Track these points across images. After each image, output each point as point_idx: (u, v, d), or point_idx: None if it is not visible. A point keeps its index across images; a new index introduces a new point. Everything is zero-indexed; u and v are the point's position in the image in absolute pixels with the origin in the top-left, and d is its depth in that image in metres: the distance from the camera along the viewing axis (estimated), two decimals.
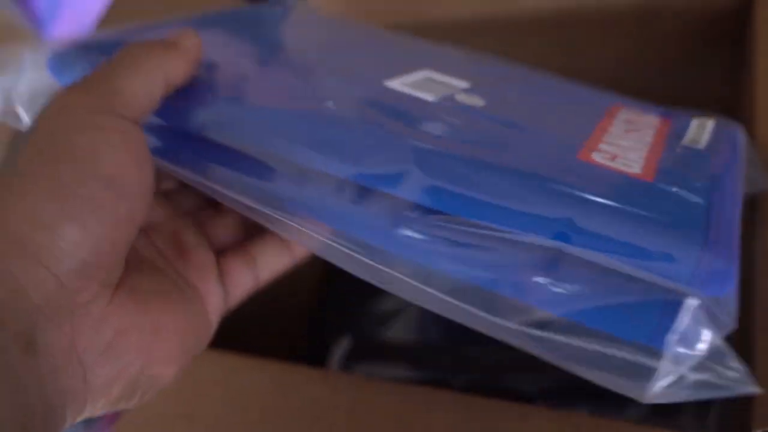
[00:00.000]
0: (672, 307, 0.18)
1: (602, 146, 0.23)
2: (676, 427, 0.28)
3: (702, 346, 0.18)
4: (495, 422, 0.24)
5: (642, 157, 0.22)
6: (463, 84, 0.27)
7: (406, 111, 0.24)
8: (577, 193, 0.20)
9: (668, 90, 0.39)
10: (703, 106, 0.37)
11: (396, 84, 0.26)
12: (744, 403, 0.21)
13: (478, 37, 0.38)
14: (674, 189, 0.21)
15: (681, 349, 0.18)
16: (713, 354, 0.18)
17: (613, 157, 0.22)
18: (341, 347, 0.38)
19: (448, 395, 0.25)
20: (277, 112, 0.23)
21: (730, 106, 0.37)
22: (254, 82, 0.25)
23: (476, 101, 0.25)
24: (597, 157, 0.22)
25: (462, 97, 0.25)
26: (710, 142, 0.25)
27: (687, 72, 0.38)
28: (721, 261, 0.18)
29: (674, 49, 0.37)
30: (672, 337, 0.18)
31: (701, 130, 0.25)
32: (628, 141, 0.24)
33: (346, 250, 0.21)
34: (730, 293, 0.19)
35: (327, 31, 0.33)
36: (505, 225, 0.19)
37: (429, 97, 0.25)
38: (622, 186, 0.21)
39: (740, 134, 0.26)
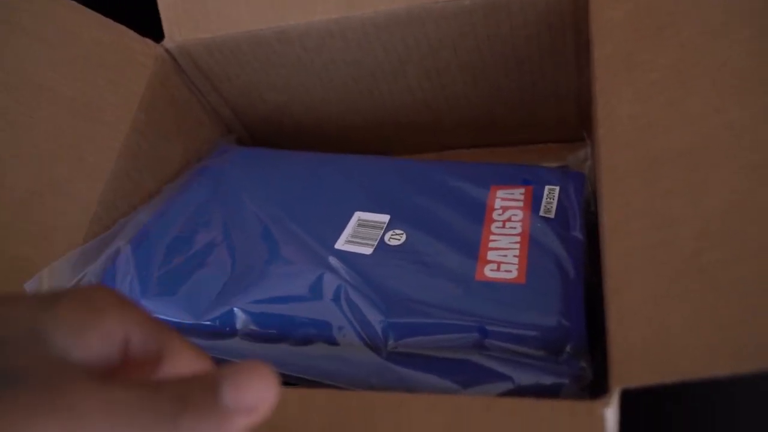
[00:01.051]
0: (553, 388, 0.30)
1: (489, 257, 0.35)
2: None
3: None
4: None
5: (516, 261, 0.34)
6: (385, 218, 0.38)
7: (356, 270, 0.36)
8: (482, 313, 0.32)
9: (525, 82, 0.43)
10: (559, 95, 0.44)
11: (341, 244, 0.37)
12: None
13: (335, 39, 0.41)
14: (540, 287, 0.33)
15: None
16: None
17: (498, 267, 0.34)
18: None
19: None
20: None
21: (584, 92, 0.43)
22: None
23: (400, 239, 0.37)
24: (488, 273, 0.34)
25: (389, 239, 0.37)
26: (557, 207, 0.37)
27: (541, 63, 0.42)
28: (573, 343, 0.31)
29: (525, 42, 0.40)
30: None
31: (552, 194, 0.38)
32: (505, 241, 0.36)
33: None
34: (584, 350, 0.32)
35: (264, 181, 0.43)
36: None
37: (366, 250, 0.37)
38: (507, 294, 0.33)
39: (582, 180, 0.39)
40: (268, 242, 0.38)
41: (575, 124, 0.47)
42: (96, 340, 0.18)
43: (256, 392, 0.18)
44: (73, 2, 0.41)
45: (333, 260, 0.36)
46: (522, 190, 0.38)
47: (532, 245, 0.35)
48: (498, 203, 0.38)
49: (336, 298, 0.34)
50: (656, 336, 0.24)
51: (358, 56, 0.42)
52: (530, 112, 0.46)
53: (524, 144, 0.49)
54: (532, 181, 0.39)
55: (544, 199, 0.37)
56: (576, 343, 0.32)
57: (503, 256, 0.35)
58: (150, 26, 0.44)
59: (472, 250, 0.35)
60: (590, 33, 0.34)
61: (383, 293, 0.34)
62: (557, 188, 0.38)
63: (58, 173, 0.37)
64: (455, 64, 0.42)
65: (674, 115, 0.28)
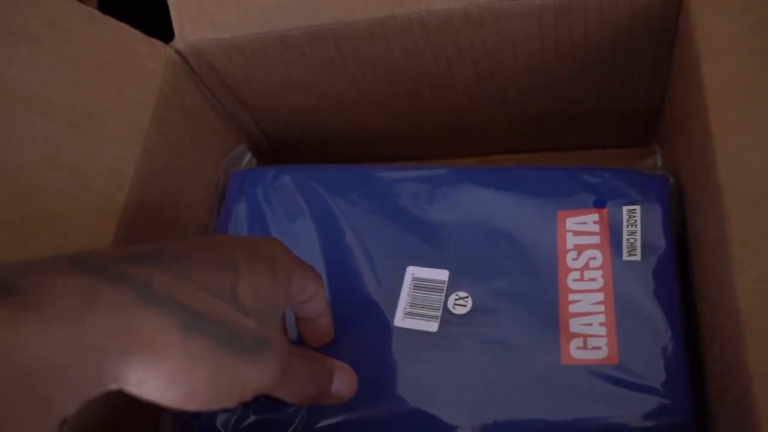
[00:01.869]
0: None
1: (572, 328, 0.31)
2: None
3: None
4: None
5: (604, 331, 0.30)
6: (444, 275, 0.34)
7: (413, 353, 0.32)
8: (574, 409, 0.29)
9: (589, 88, 0.38)
10: (626, 101, 0.39)
11: (401, 320, 0.33)
12: None
13: (375, 41, 0.36)
14: (636, 365, 0.29)
15: None
16: None
17: (585, 342, 0.30)
18: None
19: None
20: None
21: (655, 99, 0.39)
22: None
23: (466, 304, 0.33)
24: (575, 353, 0.30)
25: (454, 306, 0.33)
26: (643, 242, 0.32)
27: (612, 70, 0.37)
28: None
29: (597, 47, 0.35)
30: None
31: (632, 221, 0.32)
32: (587, 301, 0.31)
33: None
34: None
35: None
36: None
37: (431, 327, 0.33)
38: (600, 380, 0.30)
39: (665, 190, 0.33)
40: None
41: (641, 130, 0.42)
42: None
43: (348, 390, 0.30)
44: None
45: (396, 344, 0.33)
46: (595, 217, 0.33)
47: (619, 305, 0.30)
48: (570, 241, 0.33)
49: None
50: None
51: (402, 60, 0.37)
52: (591, 118, 0.41)
53: (582, 149, 0.44)
54: (604, 199, 0.34)
55: (624, 231, 0.32)
56: (681, 419, 0.28)
57: (588, 325, 0.31)
58: (155, 24, 0.38)
59: (551, 316, 0.31)
60: (694, 48, 0.29)
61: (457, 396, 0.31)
62: (638, 209, 0.33)
63: (59, 207, 0.31)
64: (512, 69, 0.37)
65: None
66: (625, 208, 0.33)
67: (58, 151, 0.32)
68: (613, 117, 0.41)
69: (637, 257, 0.31)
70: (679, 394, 0.28)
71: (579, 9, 0.32)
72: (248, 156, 0.44)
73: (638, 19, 0.33)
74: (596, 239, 0.33)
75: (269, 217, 0.38)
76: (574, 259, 0.33)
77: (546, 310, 0.32)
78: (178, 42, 0.37)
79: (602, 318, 0.31)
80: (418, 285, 0.34)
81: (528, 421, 0.30)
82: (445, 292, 0.33)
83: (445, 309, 0.33)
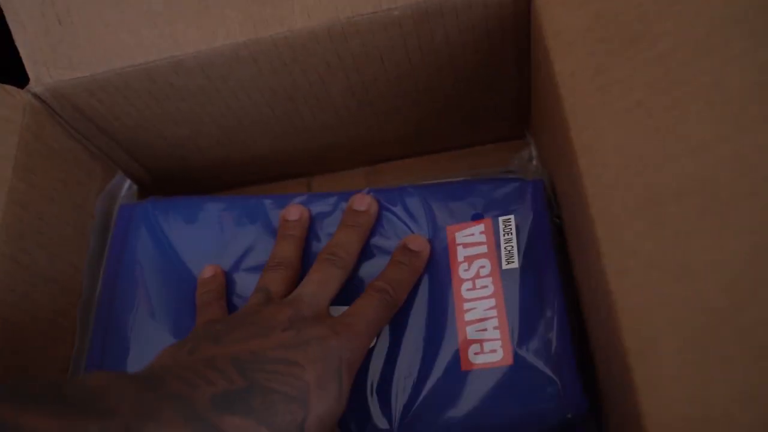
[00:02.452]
0: None
1: (469, 335, 0.32)
2: None
3: None
4: None
5: (498, 334, 0.32)
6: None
7: None
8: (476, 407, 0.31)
9: (461, 89, 0.40)
10: (497, 98, 0.41)
11: None
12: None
13: (244, 64, 0.35)
14: (529, 362, 0.31)
15: None
16: None
17: (481, 347, 0.32)
18: None
19: None
20: None
21: (523, 93, 0.40)
22: None
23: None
24: (473, 358, 0.31)
25: None
26: (520, 248, 0.34)
27: (478, 69, 0.38)
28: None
29: (461, 49, 0.36)
30: None
31: (508, 229, 0.34)
32: (480, 308, 0.33)
33: None
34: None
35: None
36: None
37: None
38: (498, 380, 0.31)
39: (539, 193, 0.35)
40: None
41: (513, 124, 0.43)
42: None
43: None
44: None
45: None
46: (481, 228, 0.34)
47: (509, 309, 0.32)
48: (461, 253, 0.34)
49: None
50: (704, 415, 0.21)
51: (273, 80, 0.37)
52: (466, 117, 0.42)
53: (461, 148, 0.46)
54: (486, 211, 0.35)
55: (502, 240, 0.34)
56: (576, 412, 0.30)
57: (483, 331, 0.32)
58: (6, 70, 0.36)
59: (451, 327, 0.32)
60: (544, 44, 0.30)
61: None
62: (511, 218, 0.34)
63: None
64: (383, 78, 0.38)
65: (669, 146, 0.25)
66: (500, 219, 0.34)
67: None
68: (488, 114, 0.42)
69: (515, 264, 0.33)
70: (569, 380, 0.30)
71: (436, 15, 0.33)
72: (127, 183, 0.42)
73: (494, 19, 0.34)
74: (484, 249, 0.34)
75: (167, 250, 0.37)
76: (465, 270, 0.34)
77: (445, 321, 0.33)
78: (34, 86, 0.35)
79: (495, 322, 0.32)
80: None
81: (436, 422, 0.30)
82: None
83: None
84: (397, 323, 0.33)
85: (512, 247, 0.33)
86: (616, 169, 0.26)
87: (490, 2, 0.33)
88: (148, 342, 0.35)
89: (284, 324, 0.28)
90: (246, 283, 0.36)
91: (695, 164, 0.24)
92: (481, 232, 0.34)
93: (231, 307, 0.36)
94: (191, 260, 0.37)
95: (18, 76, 0.36)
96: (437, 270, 0.34)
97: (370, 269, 0.35)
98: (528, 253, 0.33)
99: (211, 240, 0.37)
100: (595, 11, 0.29)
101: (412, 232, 0.35)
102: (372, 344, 0.33)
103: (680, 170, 0.24)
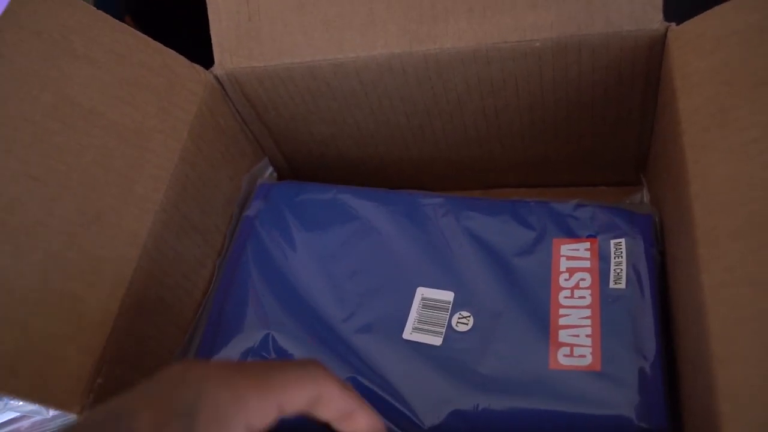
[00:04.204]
0: None
1: (561, 338, 0.34)
2: None
3: None
4: None
5: (589, 342, 0.33)
6: (449, 296, 0.38)
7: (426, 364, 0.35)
8: (557, 407, 0.32)
9: (585, 125, 0.42)
10: (618, 139, 0.43)
11: (409, 333, 0.37)
12: None
13: (393, 74, 0.40)
14: (616, 375, 0.32)
15: None
16: None
17: (571, 350, 0.33)
18: None
19: None
20: None
21: (645, 138, 0.42)
22: None
23: (468, 323, 0.36)
24: (561, 360, 0.33)
25: (457, 324, 0.36)
26: (627, 272, 0.35)
27: (605, 107, 0.41)
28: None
29: (591, 86, 0.39)
30: None
31: (619, 252, 0.36)
32: (575, 315, 0.35)
33: None
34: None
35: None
36: None
37: (436, 341, 0.36)
38: (583, 384, 0.32)
39: (649, 225, 0.37)
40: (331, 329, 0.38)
41: (631, 168, 0.46)
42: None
43: None
44: (124, 25, 0.40)
45: (401, 354, 0.36)
46: (587, 245, 0.37)
47: (605, 321, 0.34)
48: (563, 264, 0.37)
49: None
50: None
51: (416, 92, 0.41)
52: (586, 155, 0.45)
53: (576, 186, 0.48)
54: (596, 232, 0.38)
55: (612, 262, 0.36)
56: (656, 424, 0.31)
57: (575, 336, 0.34)
58: (199, 52, 0.43)
59: (543, 328, 0.35)
60: (672, 85, 0.33)
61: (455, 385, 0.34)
62: (623, 242, 0.36)
63: (107, 203, 0.35)
64: (515, 105, 0.41)
65: None
66: (612, 242, 0.37)
67: (109, 158, 0.36)
68: (606, 154, 0.45)
69: (622, 285, 0.35)
70: (654, 397, 0.31)
71: (574, 50, 0.37)
72: (270, 170, 0.48)
73: (627, 61, 0.37)
74: (587, 264, 0.36)
75: (293, 228, 0.42)
76: (566, 280, 0.36)
77: (538, 323, 0.35)
78: (217, 68, 0.42)
79: (588, 330, 0.34)
80: (427, 304, 0.37)
81: (517, 414, 0.32)
82: (450, 311, 0.37)
83: (449, 326, 0.36)
84: (492, 317, 0.36)
85: (621, 270, 0.35)
86: (724, 196, 0.28)
87: (627, 45, 0.36)
88: (255, 325, 0.38)
89: None
90: (362, 276, 0.40)
91: None
92: (587, 249, 0.36)
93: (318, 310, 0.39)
94: (309, 254, 0.41)
95: (203, 58, 0.42)
96: (536, 276, 0.36)
97: (464, 257, 0.39)
98: (632, 278, 0.35)
99: (329, 238, 0.41)
100: (723, 58, 0.31)
101: (523, 236, 0.38)
102: (465, 330, 0.36)
103: None
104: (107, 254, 0.34)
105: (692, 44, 0.33)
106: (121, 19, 0.39)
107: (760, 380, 0.23)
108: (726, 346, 0.25)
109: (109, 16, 0.39)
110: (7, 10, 0.35)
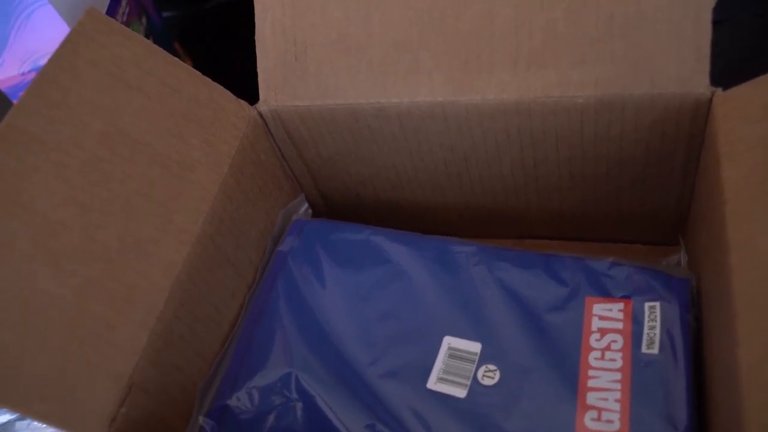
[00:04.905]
0: None
1: (589, 401, 0.33)
2: None
3: None
4: None
5: (618, 407, 0.33)
6: (476, 347, 0.37)
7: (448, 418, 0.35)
8: None
9: (625, 182, 0.42)
10: (657, 198, 0.43)
11: (433, 383, 0.36)
12: None
13: (435, 121, 0.40)
14: None
15: None
16: None
17: (599, 415, 0.33)
18: None
19: None
20: None
21: (684, 199, 0.42)
22: None
23: (494, 377, 0.36)
24: (588, 423, 0.32)
25: (483, 377, 0.36)
26: (661, 337, 0.34)
27: (645, 166, 0.40)
28: None
29: (633, 145, 0.39)
30: None
31: (653, 316, 0.36)
32: (605, 378, 0.34)
33: None
34: None
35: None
36: None
37: (460, 393, 0.35)
38: None
39: (686, 290, 0.36)
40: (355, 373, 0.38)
41: (669, 228, 0.45)
42: None
43: None
44: (176, 59, 0.41)
45: (424, 404, 0.35)
46: (621, 306, 0.36)
47: (635, 386, 0.33)
48: (595, 323, 0.36)
49: None
50: None
51: (456, 140, 0.41)
52: (624, 212, 0.44)
53: (611, 242, 0.48)
54: (630, 293, 0.37)
55: (645, 325, 0.35)
56: None
57: (604, 400, 0.33)
58: (245, 88, 0.44)
59: (571, 389, 0.34)
60: (715, 150, 0.33)
61: None
62: (657, 305, 0.36)
63: (146, 232, 0.36)
64: (554, 158, 0.41)
65: None
66: (647, 304, 0.36)
67: (152, 187, 0.37)
68: (645, 213, 0.44)
69: (655, 351, 0.34)
70: None
71: (617, 109, 0.37)
72: (305, 206, 0.48)
73: (671, 122, 0.37)
74: (619, 325, 0.36)
75: (325, 266, 0.42)
76: (597, 340, 0.36)
77: (566, 383, 0.34)
78: (261, 105, 0.43)
79: (618, 395, 0.33)
80: (453, 354, 0.37)
81: None
82: (476, 363, 0.36)
83: (475, 379, 0.36)
84: (520, 373, 0.35)
85: (655, 334, 0.35)
86: (765, 269, 0.27)
87: (671, 106, 0.36)
88: (279, 363, 0.38)
89: None
90: (390, 321, 0.40)
91: None
92: (620, 310, 0.36)
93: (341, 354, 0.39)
94: (339, 294, 0.41)
95: (247, 93, 0.43)
96: (567, 334, 0.36)
97: (494, 308, 0.38)
98: (665, 343, 0.34)
99: (360, 279, 0.41)
100: None
101: (555, 292, 0.38)
102: (490, 384, 0.35)
103: None
104: (142, 283, 0.35)
105: (739, 111, 0.32)
106: (171, 46, 0.40)
107: None
108: (760, 428, 0.24)
109: (162, 50, 0.41)
110: (66, 40, 0.37)
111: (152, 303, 0.35)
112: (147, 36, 0.68)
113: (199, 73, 0.42)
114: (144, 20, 0.68)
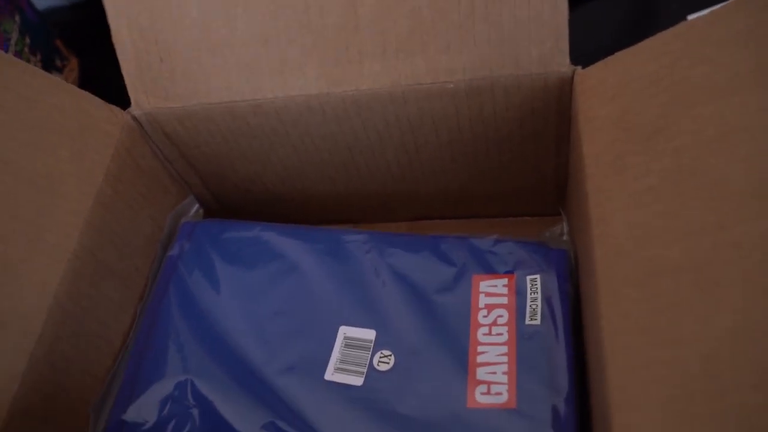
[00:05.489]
0: None
1: (479, 375, 0.34)
2: None
3: None
4: None
5: (506, 379, 0.34)
6: (371, 335, 0.38)
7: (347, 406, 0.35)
8: None
9: (504, 160, 0.43)
10: (536, 172, 0.44)
11: (331, 374, 0.37)
12: None
13: (313, 113, 0.40)
14: (530, 412, 0.33)
15: None
16: None
17: (488, 389, 0.34)
18: None
19: None
20: None
21: (561, 171, 0.44)
22: None
23: (389, 362, 0.36)
24: (479, 398, 0.34)
25: (378, 363, 0.37)
26: (542, 308, 0.36)
27: (522, 143, 0.42)
28: None
29: (506, 124, 0.40)
30: None
31: (534, 288, 0.37)
32: (493, 353, 0.35)
33: None
34: None
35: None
36: None
37: (357, 381, 0.36)
38: (499, 422, 0.33)
39: (564, 261, 0.38)
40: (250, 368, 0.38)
41: (551, 200, 0.47)
42: None
43: None
44: (32, 66, 0.39)
45: (323, 396, 0.36)
46: (505, 281, 0.38)
47: (520, 358, 0.34)
48: (482, 300, 0.37)
49: None
50: None
51: (336, 130, 0.41)
52: (507, 187, 0.46)
53: (499, 216, 0.49)
54: (514, 268, 0.38)
55: (528, 298, 0.37)
56: None
57: (492, 374, 0.34)
58: (110, 93, 0.42)
59: (462, 366, 0.35)
60: (577, 127, 0.34)
61: (376, 427, 0.34)
62: (538, 278, 0.37)
63: (13, 254, 0.34)
64: (434, 141, 0.42)
65: (673, 227, 0.28)
66: (528, 278, 0.38)
67: (18, 206, 0.35)
68: (527, 187, 0.46)
69: (537, 322, 0.36)
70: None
71: (487, 90, 0.38)
72: (196, 207, 0.47)
73: (538, 100, 0.38)
74: (504, 300, 0.37)
75: (217, 267, 0.41)
76: (484, 317, 0.37)
77: (457, 361, 0.35)
78: (134, 109, 0.41)
79: (505, 368, 0.35)
80: (349, 343, 0.37)
81: None
82: (371, 350, 0.37)
83: (371, 366, 0.36)
84: (412, 356, 0.36)
85: (537, 306, 0.36)
86: (623, 241, 0.29)
87: (537, 85, 0.37)
88: (175, 371, 0.38)
89: None
90: (285, 317, 0.40)
91: (694, 246, 0.27)
92: (504, 285, 0.37)
93: (239, 350, 0.38)
94: (232, 294, 0.41)
95: (118, 98, 0.41)
96: (456, 313, 0.37)
97: (387, 294, 0.39)
98: (546, 314, 0.36)
99: (252, 277, 0.41)
100: (623, 106, 0.32)
101: (444, 273, 0.39)
102: (386, 369, 0.36)
103: (679, 249, 0.27)
104: (15, 306, 0.34)
105: (595, 89, 0.34)
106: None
107: (652, 429, 0.24)
108: (622, 393, 0.26)
109: (19, 60, 0.38)
110: None
111: (29, 327, 0.34)
112: (22, 34, 0.64)
113: (61, 81, 0.40)
114: (17, 17, 0.64)
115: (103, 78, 0.42)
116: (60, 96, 0.39)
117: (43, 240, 0.35)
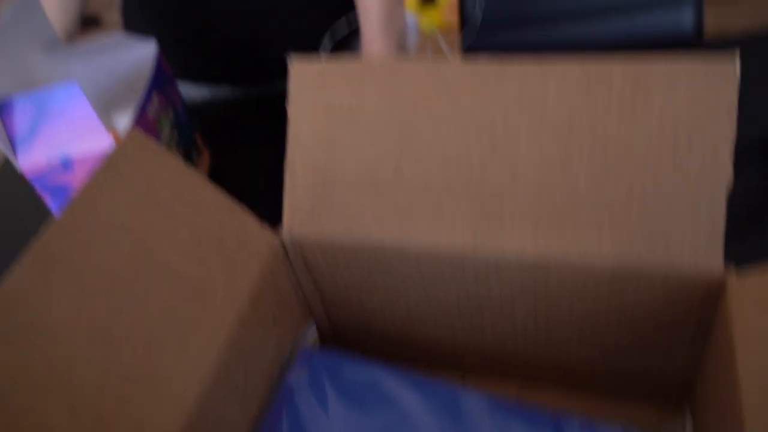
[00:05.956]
0: None
1: None
2: None
3: None
4: None
5: None
6: None
7: None
8: None
9: (633, 347, 0.42)
10: (664, 364, 0.43)
11: None
12: None
13: (454, 268, 0.41)
14: None
15: None
16: None
17: None
18: None
19: None
20: None
21: (692, 368, 0.42)
22: None
23: None
24: None
25: None
26: None
27: (656, 335, 0.41)
28: None
29: (644, 314, 0.40)
30: None
31: None
32: None
33: None
34: None
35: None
36: None
37: None
38: None
39: None
40: None
41: (674, 390, 0.45)
42: None
43: None
44: (207, 182, 0.42)
45: None
46: None
47: None
48: None
49: None
50: None
51: (471, 286, 0.42)
52: (631, 371, 0.45)
53: (612, 393, 0.48)
54: None
55: None
56: None
57: None
58: (267, 214, 0.45)
59: None
60: (731, 335, 0.34)
61: None
62: None
63: (162, 363, 0.36)
64: (567, 314, 0.42)
65: None
66: None
67: (171, 314, 0.37)
68: (650, 374, 0.45)
69: None
70: None
71: (633, 277, 0.38)
72: (313, 328, 0.49)
73: (683, 297, 0.38)
74: None
75: (331, 405, 0.42)
76: None
77: None
78: (284, 233, 0.44)
79: None
80: None
81: None
82: None
83: None
84: None
85: None
86: None
87: (685, 282, 0.37)
88: None
89: None
90: None
91: None
92: None
93: None
94: (347, 419, 0.41)
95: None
96: None
97: None
98: None
99: (366, 419, 0.41)
100: None
101: None
102: None
103: None
104: (154, 420, 0.34)
105: (754, 298, 0.34)
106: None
107: None
108: None
109: (194, 173, 0.42)
110: (109, 161, 0.38)
111: None
112: (173, 129, 0.69)
113: (227, 199, 0.42)
114: (171, 113, 0.70)
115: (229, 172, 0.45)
116: (224, 211, 0.42)
117: (187, 352, 0.37)
